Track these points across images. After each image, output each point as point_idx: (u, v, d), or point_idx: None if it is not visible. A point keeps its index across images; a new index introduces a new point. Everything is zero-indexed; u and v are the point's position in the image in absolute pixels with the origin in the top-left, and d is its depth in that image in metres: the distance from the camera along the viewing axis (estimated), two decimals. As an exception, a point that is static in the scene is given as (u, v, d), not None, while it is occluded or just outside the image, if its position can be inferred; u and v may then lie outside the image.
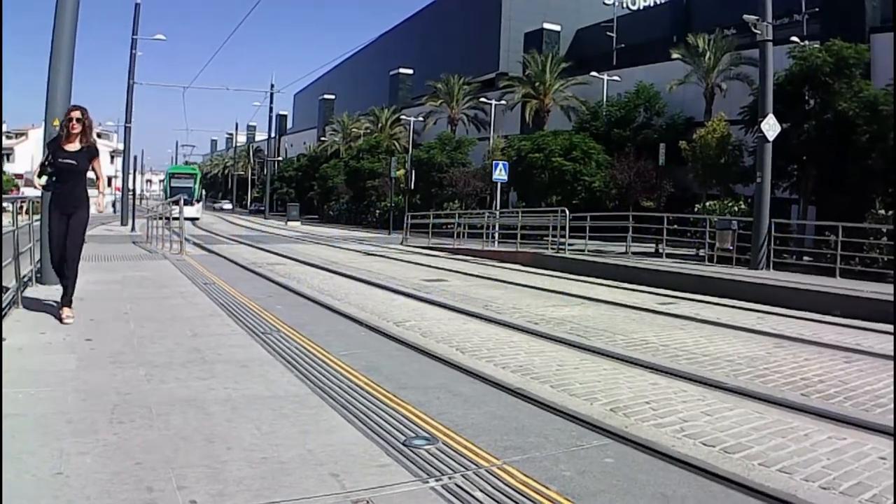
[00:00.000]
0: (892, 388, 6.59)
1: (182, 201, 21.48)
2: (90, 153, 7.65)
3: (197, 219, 52.52)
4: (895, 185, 20.67)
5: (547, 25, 57.26)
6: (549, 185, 38.94)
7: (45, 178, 7.69)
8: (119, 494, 3.33)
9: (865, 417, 5.53)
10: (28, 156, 75.32)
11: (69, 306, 7.68)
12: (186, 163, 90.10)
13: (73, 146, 7.57)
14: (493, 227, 28.16)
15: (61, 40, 10.51)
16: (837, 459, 4.54)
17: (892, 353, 8.32)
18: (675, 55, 39.83)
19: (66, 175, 7.54)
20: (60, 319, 7.52)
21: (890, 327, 10.31)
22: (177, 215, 21.32)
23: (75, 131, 7.54)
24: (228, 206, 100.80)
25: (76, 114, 7.61)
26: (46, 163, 7.61)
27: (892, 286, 13.86)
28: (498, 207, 31.85)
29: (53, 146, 7.64)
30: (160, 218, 22.90)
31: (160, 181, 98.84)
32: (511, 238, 25.72)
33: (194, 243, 24.51)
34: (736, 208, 25.89)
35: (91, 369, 5.61)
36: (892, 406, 5.94)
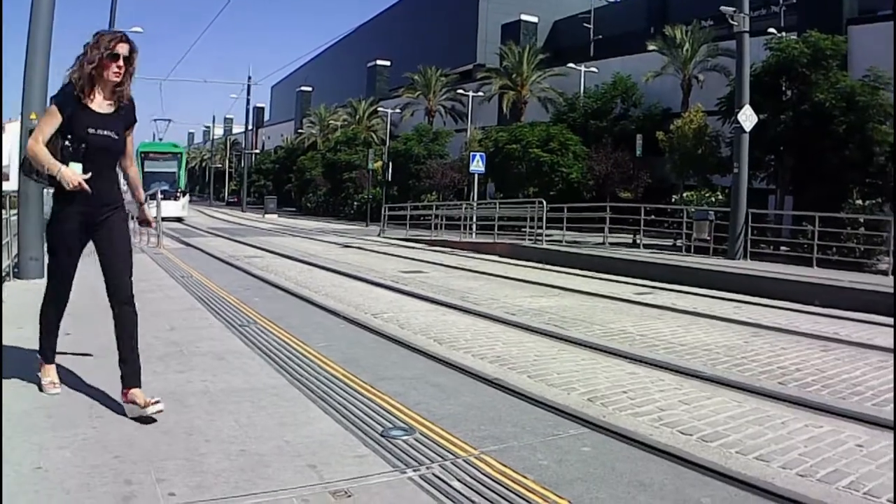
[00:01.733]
0: (869, 377, 6.66)
1: (159, 194, 20.04)
2: (128, 118, 4.44)
3: (181, 218, 39.72)
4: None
5: (524, 17, 57.34)
6: (527, 176, 38.93)
7: (76, 164, 4.14)
8: (98, 488, 3.31)
9: (842, 405, 5.56)
10: (5, 151, 74.17)
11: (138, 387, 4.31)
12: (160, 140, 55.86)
13: (108, 106, 4.28)
14: (471, 218, 28.13)
15: (37, 35, 10.38)
16: (815, 447, 4.57)
17: (868, 342, 8.43)
18: (651, 46, 39.96)
19: (99, 156, 4.25)
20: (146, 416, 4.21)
21: (869, 316, 10.45)
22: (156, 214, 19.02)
23: (115, 79, 4.20)
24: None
25: (122, 48, 4.18)
26: (67, 140, 4.14)
27: (871, 275, 14.04)
28: (475, 199, 31.80)
29: (72, 106, 4.15)
30: (131, 218, 22.41)
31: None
32: (489, 229, 25.74)
33: (172, 237, 24.37)
34: (713, 199, 26.06)
35: (70, 364, 5.55)
36: (870, 394, 6.02)
